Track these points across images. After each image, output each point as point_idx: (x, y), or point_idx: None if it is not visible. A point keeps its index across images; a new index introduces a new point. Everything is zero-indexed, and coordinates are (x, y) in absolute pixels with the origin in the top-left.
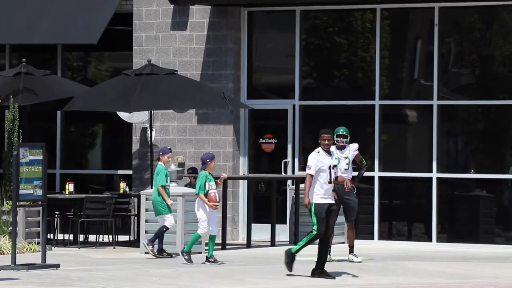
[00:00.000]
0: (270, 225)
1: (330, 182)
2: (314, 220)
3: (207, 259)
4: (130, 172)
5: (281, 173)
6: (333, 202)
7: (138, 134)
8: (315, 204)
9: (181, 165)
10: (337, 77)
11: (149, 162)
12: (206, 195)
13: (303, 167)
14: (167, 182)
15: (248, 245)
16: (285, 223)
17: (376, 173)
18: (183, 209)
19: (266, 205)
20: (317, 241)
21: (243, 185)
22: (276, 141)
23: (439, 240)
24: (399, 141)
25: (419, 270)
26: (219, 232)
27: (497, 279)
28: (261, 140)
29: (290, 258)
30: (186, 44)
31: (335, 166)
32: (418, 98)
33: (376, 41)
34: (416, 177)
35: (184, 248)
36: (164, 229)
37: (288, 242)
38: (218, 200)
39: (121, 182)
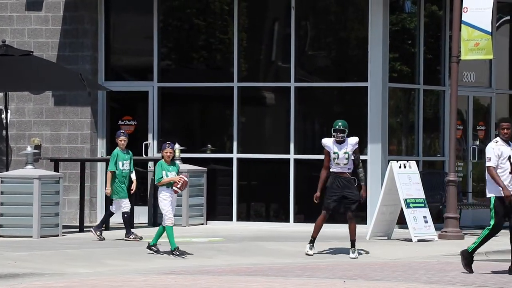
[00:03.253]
0: None
1: (511, 173)
2: (492, 214)
3: (172, 252)
4: None
5: (141, 155)
6: None
7: None
8: (496, 197)
9: (37, 147)
10: (196, 59)
11: (4, 144)
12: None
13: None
14: (122, 166)
15: (107, 227)
16: (145, 205)
17: (235, 155)
18: (40, 191)
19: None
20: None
21: (101, 167)
22: (135, 123)
23: (296, 220)
24: (257, 123)
25: (277, 250)
26: (77, 214)
27: None
28: (120, 122)
29: (468, 260)
30: (42, 24)
31: None
32: (276, 80)
33: (234, 23)
34: (274, 159)
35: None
36: (108, 212)
37: (147, 224)
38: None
39: None
